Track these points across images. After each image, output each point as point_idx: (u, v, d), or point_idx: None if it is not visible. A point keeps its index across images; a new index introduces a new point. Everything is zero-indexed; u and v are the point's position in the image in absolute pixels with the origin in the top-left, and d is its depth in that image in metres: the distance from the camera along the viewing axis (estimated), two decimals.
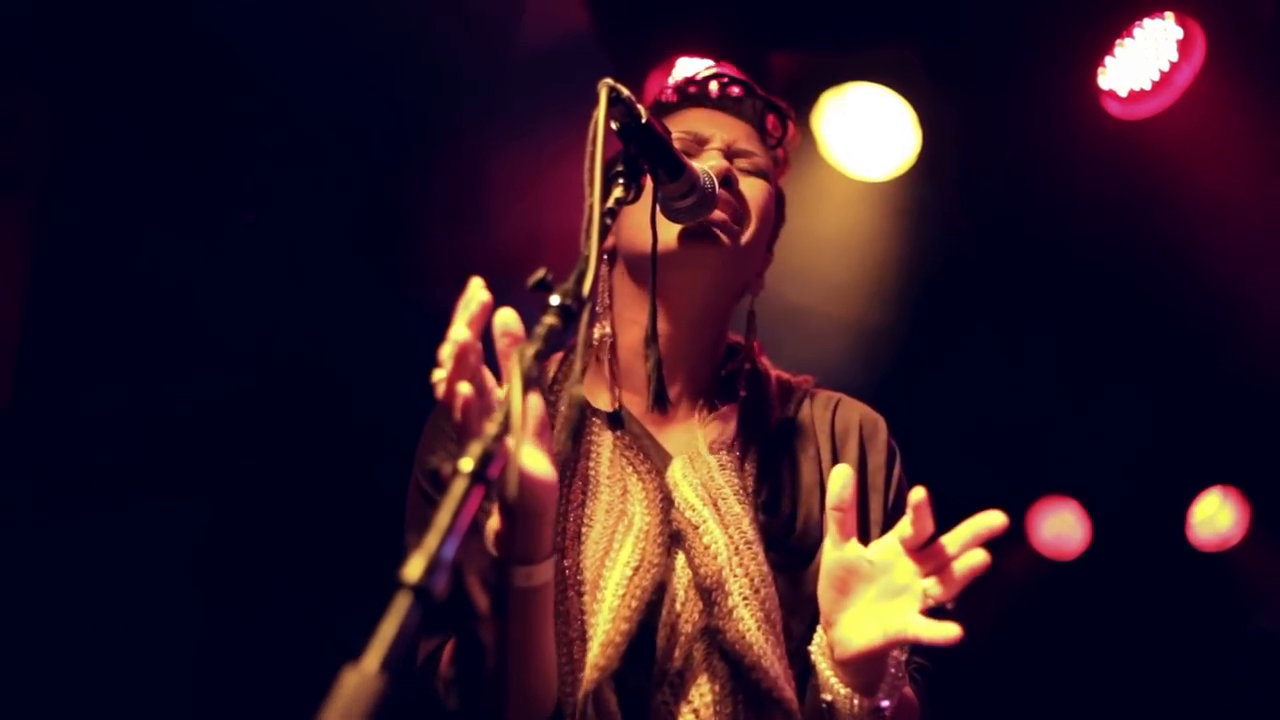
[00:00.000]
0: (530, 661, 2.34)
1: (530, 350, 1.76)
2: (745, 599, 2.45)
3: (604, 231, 2.04)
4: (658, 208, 2.49)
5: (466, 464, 1.57)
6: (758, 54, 5.24)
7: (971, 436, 6.22)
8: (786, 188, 3.06)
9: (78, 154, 5.21)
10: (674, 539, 2.54)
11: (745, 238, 2.75)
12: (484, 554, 2.13)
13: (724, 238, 2.69)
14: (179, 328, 5.70)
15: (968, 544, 2.21)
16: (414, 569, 1.44)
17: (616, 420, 2.73)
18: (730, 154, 2.82)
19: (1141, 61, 5.29)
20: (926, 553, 2.25)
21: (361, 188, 5.71)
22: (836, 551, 2.31)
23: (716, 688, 2.44)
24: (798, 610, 2.52)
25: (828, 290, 6.03)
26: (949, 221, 6.11)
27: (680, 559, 2.52)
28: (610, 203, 2.17)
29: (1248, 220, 5.77)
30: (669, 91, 3.00)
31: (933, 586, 2.23)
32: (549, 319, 1.84)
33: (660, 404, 2.63)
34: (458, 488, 1.55)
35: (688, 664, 2.45)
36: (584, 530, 2.55)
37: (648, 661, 2.45)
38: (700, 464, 2.64)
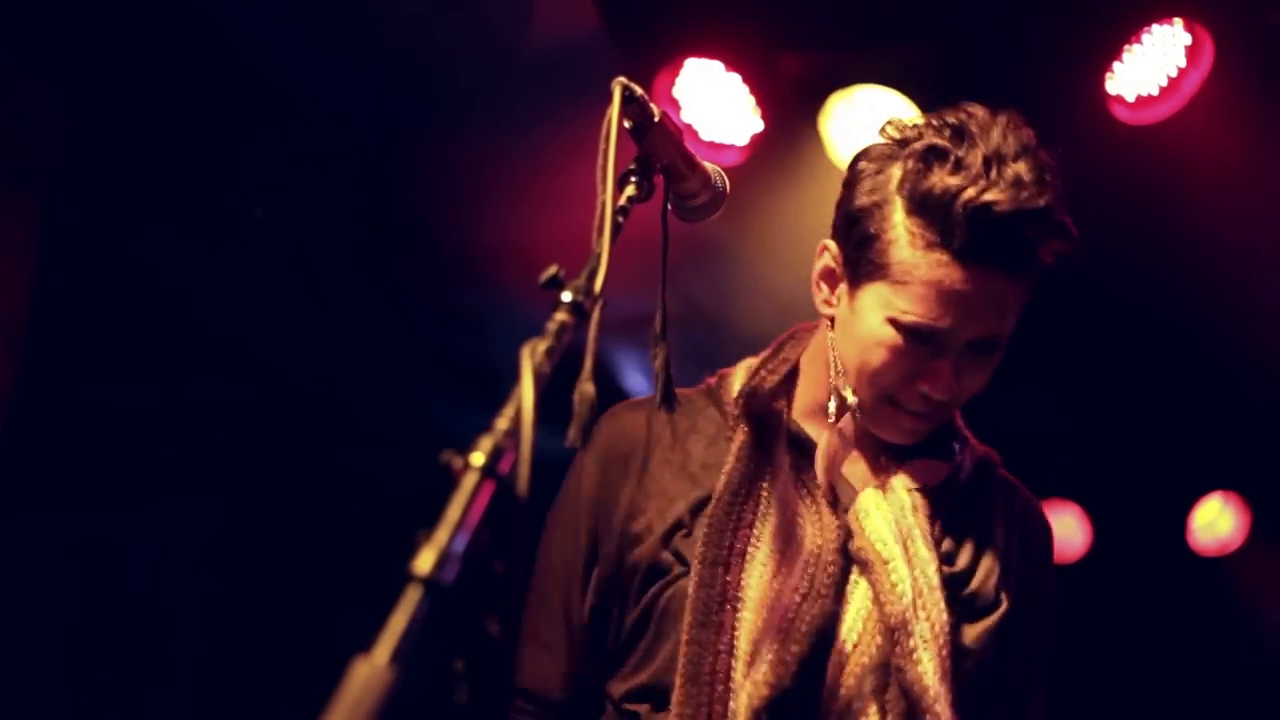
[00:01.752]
0: None
1: (541, 346, 1.76)
2: (926, 643, 2.44)
3: (616, 230, 2.05)
4: (669, 207, 2.49)
5: (477, 458, 1.57)
6: (766, 55, 5.24)
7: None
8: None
9: (86, 150, 5.21)
10: (849, 569, 2.52)
11: (953, 411, 2.74)
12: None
13: (918, 430, 2.66)
14: (185, 324, 5.71)
15: None
16: (424, 562, 1.45)
17: (797, 444, 2.70)
18: (973, 344, 2.55)
19: (1150, 67, 5.29)
20: None
21: (368, 186, 5.72)
22: None
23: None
24: (962, 661, 2.50)
25: None
26: None
27: (859, 590, 2.50)
28: (623, 201, 2.18)
29: (1253, 226, 5.78)
30: (931, 195, 2.47)
31: None
32: (560, 316, 1.85)
33: (668, 402, 2.62)
34: (468, 482, 1.56)
35: (859, 697, 2.44)
36: (750, 549, 2.52)
37: (814, 690, 2.44)
38: (894, 500, 2.60)
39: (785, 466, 2.64)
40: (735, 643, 2.44)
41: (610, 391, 3.04)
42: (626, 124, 2.23)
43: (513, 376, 1.68)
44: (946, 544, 2.61)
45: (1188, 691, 7.59)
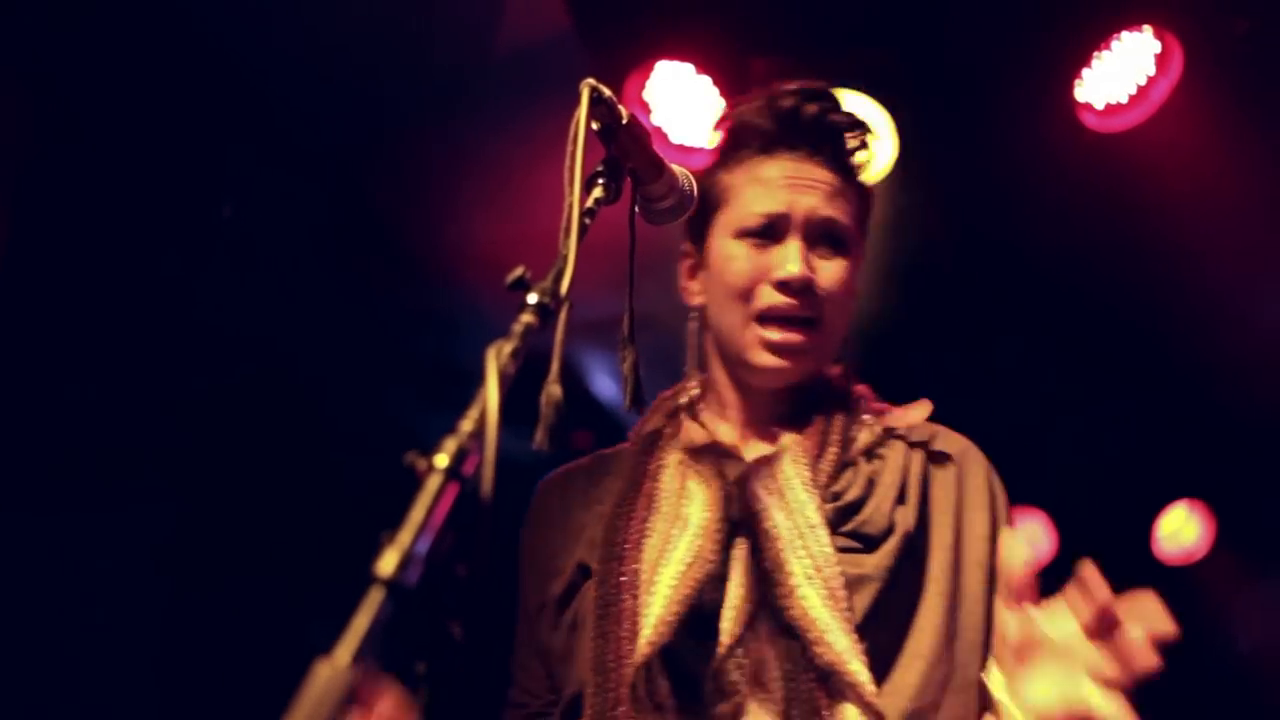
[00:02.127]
0: None
1: (506, 348, 1.76)
2: (809, 578, 2.47)
3: (583, 231, 2.05)
4: (637, 209, 2.49)
5: (441, 460, 1.57)
6: (738, 58, 5.24)
7: None
8: None
9: (53, 146, 5.19)
10: (735, 530, 2.57)
11: (821, 349, 2.83)
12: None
13: (790, 363, 2.78)
14: (153, 321, 5.68)
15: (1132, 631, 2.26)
16: (387, 564, 1.45)
17: (709, 452, 2.79)
18: (810, 232, 2.80)
19: (1119, 74, 5.30)
20: (1096, 624, 2.26)
21: (338, 184, 5.71)
22: (1016, 624, 2.28)
23: (785, 666, 2.44)
24: (862, 587, 2.51)
25: None
26: (924, 228, 6.13)
27: (741, 549, 2.54)
28: (590, 202, 2.17)
29: (1221, 235, 5.81)
30: (732, 129, 2.95)
31: (1106, 666, 2.25)
32: (526, 318, 1.85)
33: (636, 404, 2.63)
34: (432, 483, 1.55)
35: (751, 645, 2.47)
36: (644, 540, 2.61)
37: (708, 647, 2.46)
38: (775, 458, 2.68)
39: (673, 462, 2.75)
40: (636, 626, 2.49)
41: (578, 394, 3.05)
42: (594, 126, 2.22)
43: (478, 378, 1.67)
44: (838, 485, 2.66)
45: (1151, 700, 7.60)
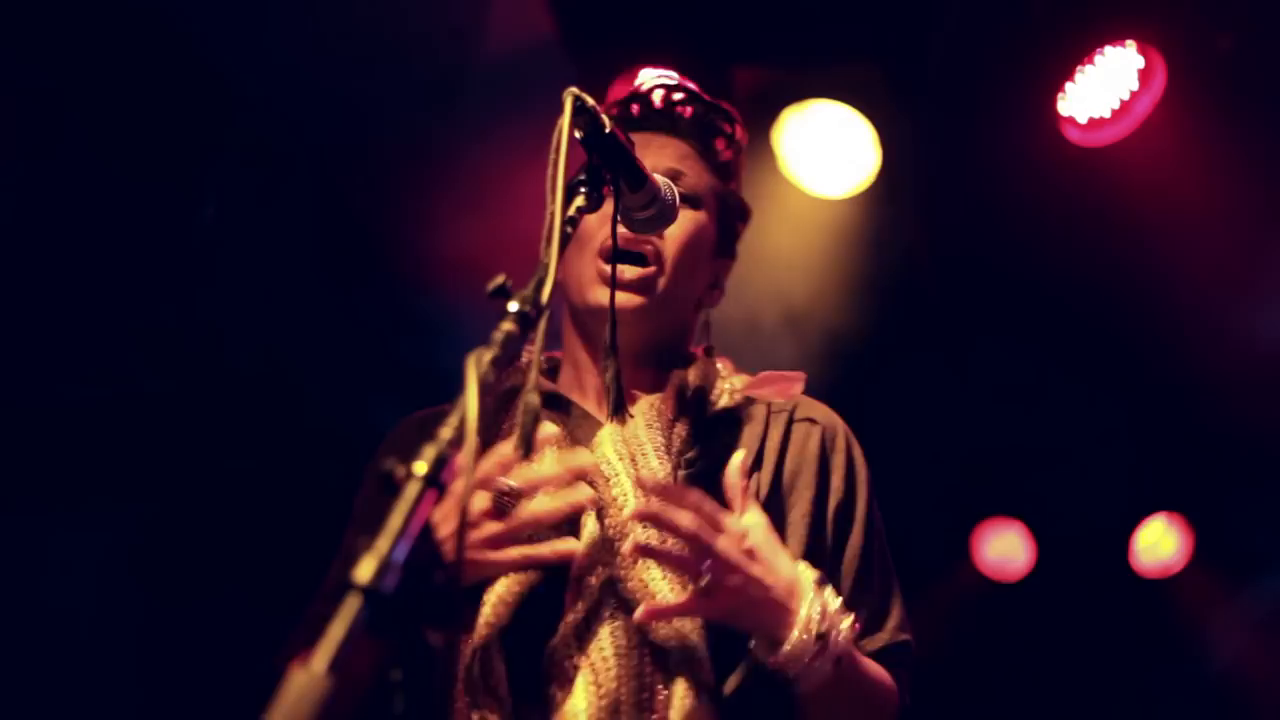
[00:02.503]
0: None
1: (487, 356, 1.76)
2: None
3: (565, 240, 2.05)
4: (619, 218, 2.49)
5: (420, 467, 1.57)
6: (721, 67, 5.25)
7: (920, 457, 6.24)
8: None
9: (33, 148, 5.17)
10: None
11: (661, 283, 2.78)
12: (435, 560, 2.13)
13: (635, 297, 2.75)
14: (133, 322, 5.67)
15: None
16: (365, 571, 1.44)
17: (551, 403, 2.76)
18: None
19: (1102, 89, 5.32)
20: None
21: (320, 188, 5.69)
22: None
23: (620, 641, 2.42)
24: None
25: (782, 306, 6.04)
26: (906, 241, 6.14)
27: (591, 518, 2.50)
28: (571, 211, 2.17)
29: (1202, 249, 5.82)
30: (611, 109, 3.00)
31: None
32: (507, 326, 1.85)
33: (618, 413, 2.63)
34: (411, 491, 1.55)
35: (591, 618, 2.44)
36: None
37: (551, 620, 2.44)
38: (629, 426, 2.64)
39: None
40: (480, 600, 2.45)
41: None
42: (577, 134, 2.22)
43: (459, 384, 1.67)
44: (689, 451, 2.65)
45: (1128, 713, 7.63)
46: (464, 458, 1.59)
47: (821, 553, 2.68)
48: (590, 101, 2.21)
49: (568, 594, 2.45)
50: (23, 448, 5.64)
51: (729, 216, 3.03)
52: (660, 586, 2.42)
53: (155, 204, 5.45)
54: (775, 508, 2.66)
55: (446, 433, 1.62)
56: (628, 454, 2.58)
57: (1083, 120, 5.39)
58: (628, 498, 2.50)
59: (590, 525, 2.50)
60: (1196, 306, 6.18)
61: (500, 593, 2.41)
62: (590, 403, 2.83)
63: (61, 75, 5.05)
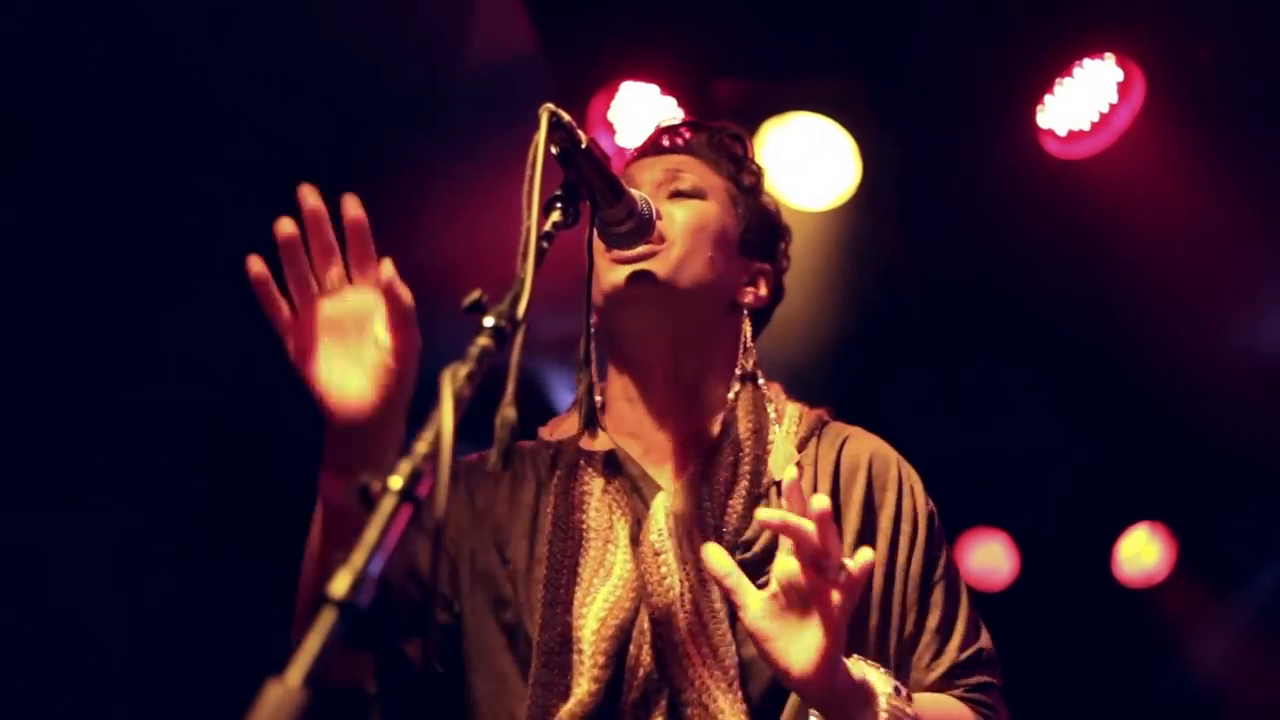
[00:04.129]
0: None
1: (462, 370, 1.76)
2: (693, 635, 2.45)
3: (540, 255, 2.05)
4: (595, 232, 2.50)
5: (395, 481, 1.57)
6: (702, 81, 5.27)
7: None
8: None
9: (15, 155, 5.17)
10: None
11: (670, 256, 2.73)
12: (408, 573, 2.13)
13: (645, 267, 2.72)
14: (115, 331, 5.67)
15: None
16: (340, 584, 1.45)
17: (611, 464, 2.73)
18: (660, 191, 2.86)
19: (1081, 101, 5.34)
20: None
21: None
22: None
23: None
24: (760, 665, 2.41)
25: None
26: (887, 252, 6.15)
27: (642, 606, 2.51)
28: (548, 226, 2.17)
29: (1181, 261, 5.84)
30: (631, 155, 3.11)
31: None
32: (482, 340, 1.85)
33: (590, 427, 2.64)
34: (386, 505, 1.56)
35: (645, 704, 2.44)
36: (576, 590, 2.54)
37: (616, 711, 2.45)
38: (684, 498, 2.62)
39: (596, 491, 2.68)
40: (568, 681, 2.47)
41: (541, 410, 3.04)
42: (553, 150, 2.23)
43: (434, 398, 1.68)
44: (745, 530, 2.60)
45: None
46: (440, 472, 1.59)
47: (868, 595, 2.64)
48: (566, 117, 2.21)
49: (626, 684, 2.46)
50: (9, 452, 5.64)
51: (756, 219, 3.01)
52: (700, 674, 2.42)
53: (139, 214, 5.45)
54: None
55: (421, 447, 1.62)
56: (681, 530, 2.56)
57: (1062, 133, 5.41)
58: (674, 578, 2.49)
59: (642, 614, 2.49)
60: (1178, 318, 6.20)
61: (573, 702, 2.43)
62: (638, 452, 2.78)
63: (41, 83, 5.05)
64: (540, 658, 2.49)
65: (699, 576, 2.49)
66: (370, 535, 1.51)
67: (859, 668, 2.34)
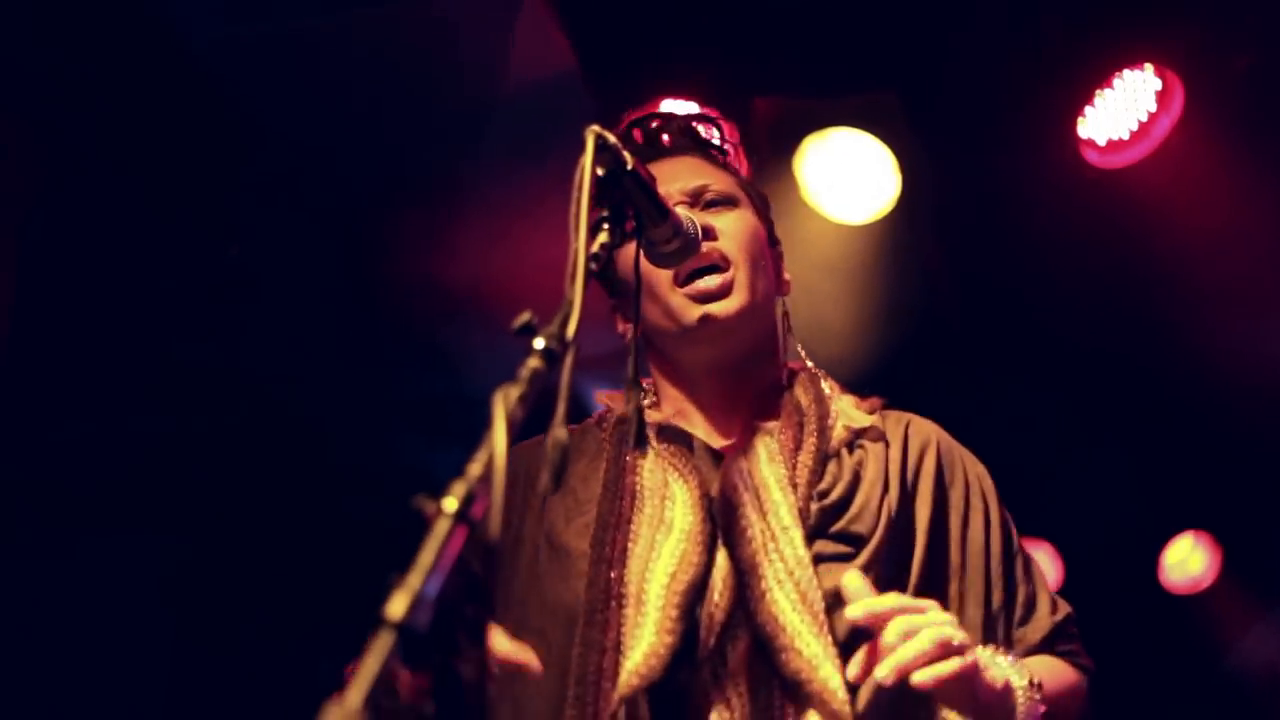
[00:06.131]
0: None
1: (514, 393, 1.77)
2: (779, 582, 2.48)
3: (588, 276, 2.06)
4: (642, 253, 2.53)
5: (450, 504, 1.59)
6: (742, 97, 5.27)
7: None
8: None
9: (60, 185, 5.21)
10: (715, 533, 2.58)
11: (743, 280, 2.82)
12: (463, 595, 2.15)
13: (729, 303, 2.80)
14: (160, 358, 5.70)
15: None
16: (397, 606, 1.46)
17: (665, 431, 2.81)
18: (693, 201, 2.91)
19: (1120, 111, 5.33)
20: None
21: (345, 226, 5.71)
22: None
23: (751, 675, 2.45)
24: (844, 604, 2.43)
25: (804, 331, 6.05)
26: (927, 265, 6.14)
27: (722, 552, 2.55)
28: (595, 247, 2.20)
29: (1223, 269, 5.82)
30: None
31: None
32: (533, 362, 1.86)
33: (640, 445, 2.66)
34: (441, 527, 1.57)
35: (722, 654, 2.47)
36: (630, 545, 2.59)
37: (689, 663, 2.47)
38: (751, 456, 2.70)
39: (650, 454, 2.74)
40: (620, 637, 2.48)
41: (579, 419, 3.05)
42: (599, 172, 2.25)
43: (486, 418, 1.69)
44: (815, 482, 2.66)
45: None
46: (493, 495, 1.61)
47: (946, 564, 2.78)
48: (612, 139, 2.23)
49: (702, 635, 2.48)
50: (51, 478, 5.67)
51: (764, 205, 3.13)
52: (791, 619, 2.45)
53: (182, 242, 5.48)
54: (904, 525, 2.72)
55: (475, 469, 1.63)
56: (751, 487, 2.62)
57: (1102, 143, 5.40)
58: (754, 530, 2.55)
59: (722, 562, 2.54)
60: (1221, 325, 6.17)
61: (652, 641, 2.44)
62: (701, 432, 2.86)
63: (84, 114, 5.08)
64: (585, 615, 2.52)
65: (779, 524, 2.55)
66: (426, 557, 1.52)
67: (999, 668, 2.47)
